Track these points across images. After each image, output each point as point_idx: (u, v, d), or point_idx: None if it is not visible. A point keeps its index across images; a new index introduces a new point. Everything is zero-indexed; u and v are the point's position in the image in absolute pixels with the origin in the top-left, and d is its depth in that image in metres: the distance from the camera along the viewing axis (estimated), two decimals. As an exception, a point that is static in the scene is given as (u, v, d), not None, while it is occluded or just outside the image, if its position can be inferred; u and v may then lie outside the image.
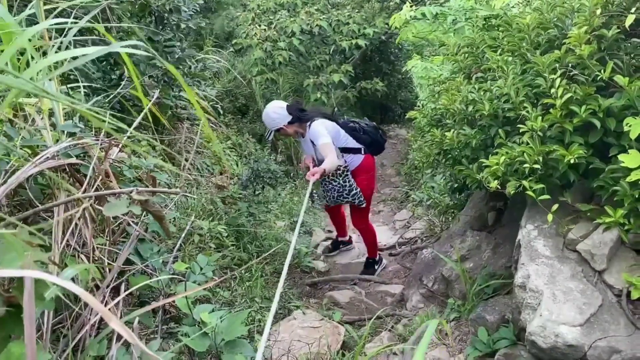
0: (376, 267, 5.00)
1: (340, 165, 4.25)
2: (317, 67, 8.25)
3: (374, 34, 7.98)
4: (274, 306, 1.00)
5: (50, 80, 1.98)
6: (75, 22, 1.83)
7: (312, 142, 4.14)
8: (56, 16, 1.99)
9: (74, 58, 1.38)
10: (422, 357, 0.61)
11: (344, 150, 4.32)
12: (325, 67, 8.23)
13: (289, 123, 4.12)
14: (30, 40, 1.62)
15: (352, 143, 4.36)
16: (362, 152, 4.41)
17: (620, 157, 2.15)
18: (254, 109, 8.87)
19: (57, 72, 1.75)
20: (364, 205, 4.53)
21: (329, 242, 5.73)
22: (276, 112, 4.11)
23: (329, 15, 8.17)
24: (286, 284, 4.24)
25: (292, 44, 7.85)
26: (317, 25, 7.87)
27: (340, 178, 4.32)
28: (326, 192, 4.51)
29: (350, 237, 5.60)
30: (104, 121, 1.68)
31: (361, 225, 4.77)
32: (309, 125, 4.11)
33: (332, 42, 8.09)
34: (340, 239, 5.53)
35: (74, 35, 1.98)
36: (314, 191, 4.58)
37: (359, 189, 4.39)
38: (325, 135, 4.01)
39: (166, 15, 4.74)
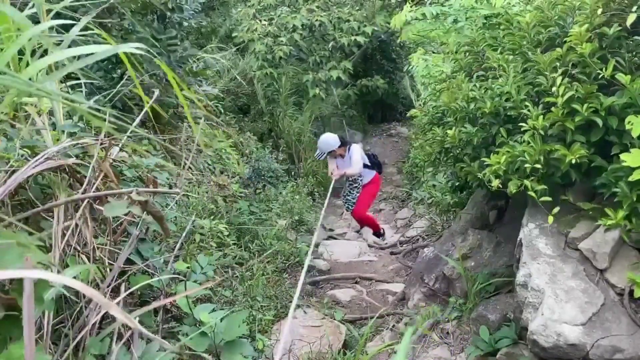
0: (380, 238, 6.26)
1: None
2: (317, 64, 8.31)
3: (373, 32, 8.06)
4: (293, 305, 1.00)
5: (50, 78, 1.97)
6: (77, 22, 1.82)
7: (350, 158, 5.72)
8: (58, 16, 1.98)
9: (73, 58, 1.36)
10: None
11: (367, 166, 5.92)
12: (325, 63, 8.27)
13: (339, 147, 5.64)
14: (30, 39, 1.62)
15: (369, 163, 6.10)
16: (375, 170, 6.07)
17: (622, 156, 2.13)
18: (255, 108, 8.87)
19: (61, 72, 1.74)
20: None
21: (330, 241, 5.77)
22: (334, 140, 5.65)
23: (329, 12, 8.20)
24: (287, 283, 4.23)
25: (293, 38, 7.91)
26: (317, 20, 7.93)
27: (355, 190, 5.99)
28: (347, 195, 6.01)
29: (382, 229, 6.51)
30: (103, 120, 1.67)
31: (362, 215, 5.96)
32: (349, 149, 5.78)
33: (331, 39, 8.12)
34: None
35: (77, 36, 1.97)
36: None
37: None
38: (361, 157, 5.70)
39: (168, 13, 4.73)
